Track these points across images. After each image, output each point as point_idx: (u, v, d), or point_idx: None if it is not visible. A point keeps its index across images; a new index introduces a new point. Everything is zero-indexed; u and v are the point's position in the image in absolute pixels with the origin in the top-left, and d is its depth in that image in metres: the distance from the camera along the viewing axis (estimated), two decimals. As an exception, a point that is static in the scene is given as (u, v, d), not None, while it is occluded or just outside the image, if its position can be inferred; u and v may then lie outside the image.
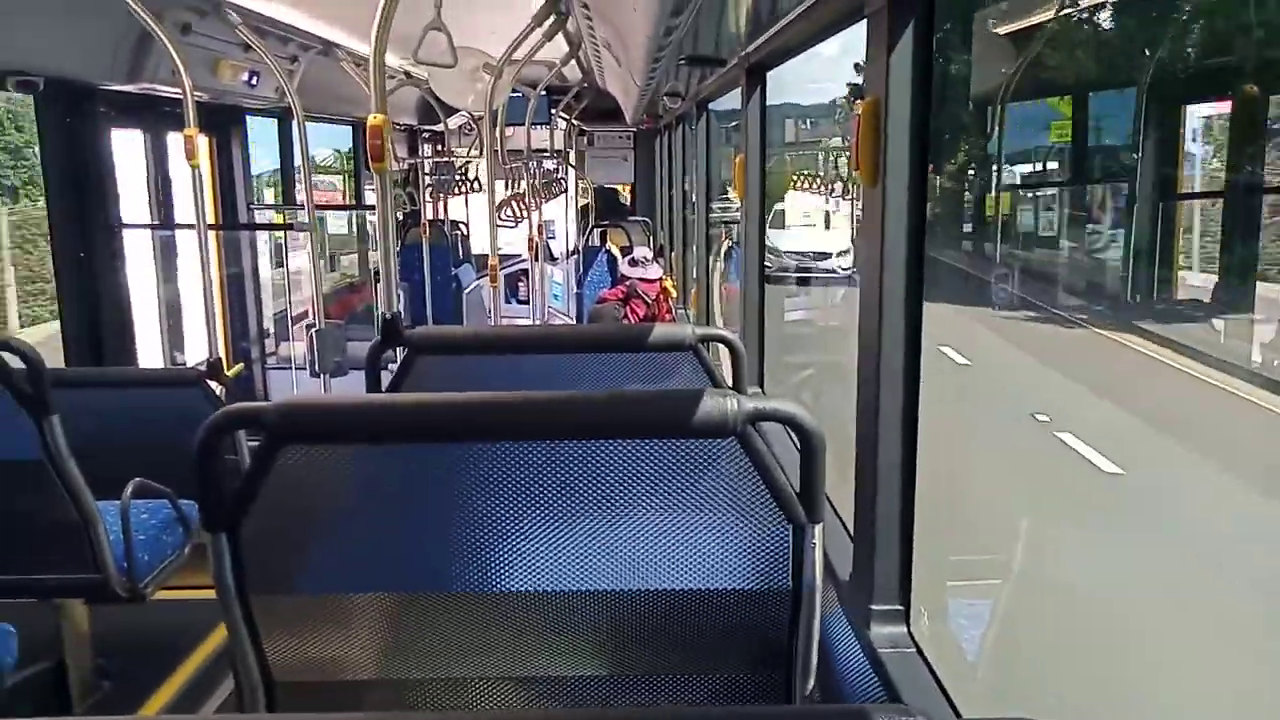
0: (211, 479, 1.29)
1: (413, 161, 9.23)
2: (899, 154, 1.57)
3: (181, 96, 4.03)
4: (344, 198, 9.92)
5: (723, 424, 1.26)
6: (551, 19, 4.23)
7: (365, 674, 1.42)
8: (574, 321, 8.77)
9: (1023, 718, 0.63)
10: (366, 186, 8.59)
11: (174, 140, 5.47)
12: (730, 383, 2.26)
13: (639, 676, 1.43)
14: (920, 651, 1.63)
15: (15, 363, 2.43)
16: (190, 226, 4.39)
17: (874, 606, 1.68)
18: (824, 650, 1.77)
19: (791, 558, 1.33)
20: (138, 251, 5.24)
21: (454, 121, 8.77)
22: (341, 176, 10.25)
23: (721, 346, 2.28)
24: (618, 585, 1.36)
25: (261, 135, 6.59)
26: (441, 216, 10.26)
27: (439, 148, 9.86)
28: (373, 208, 8.41)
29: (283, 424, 1.28)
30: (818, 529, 1.32)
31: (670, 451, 1.32)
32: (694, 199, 6.39)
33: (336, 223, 9.89)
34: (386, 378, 2.31)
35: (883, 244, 1.60)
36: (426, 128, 9.68)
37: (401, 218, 9.24)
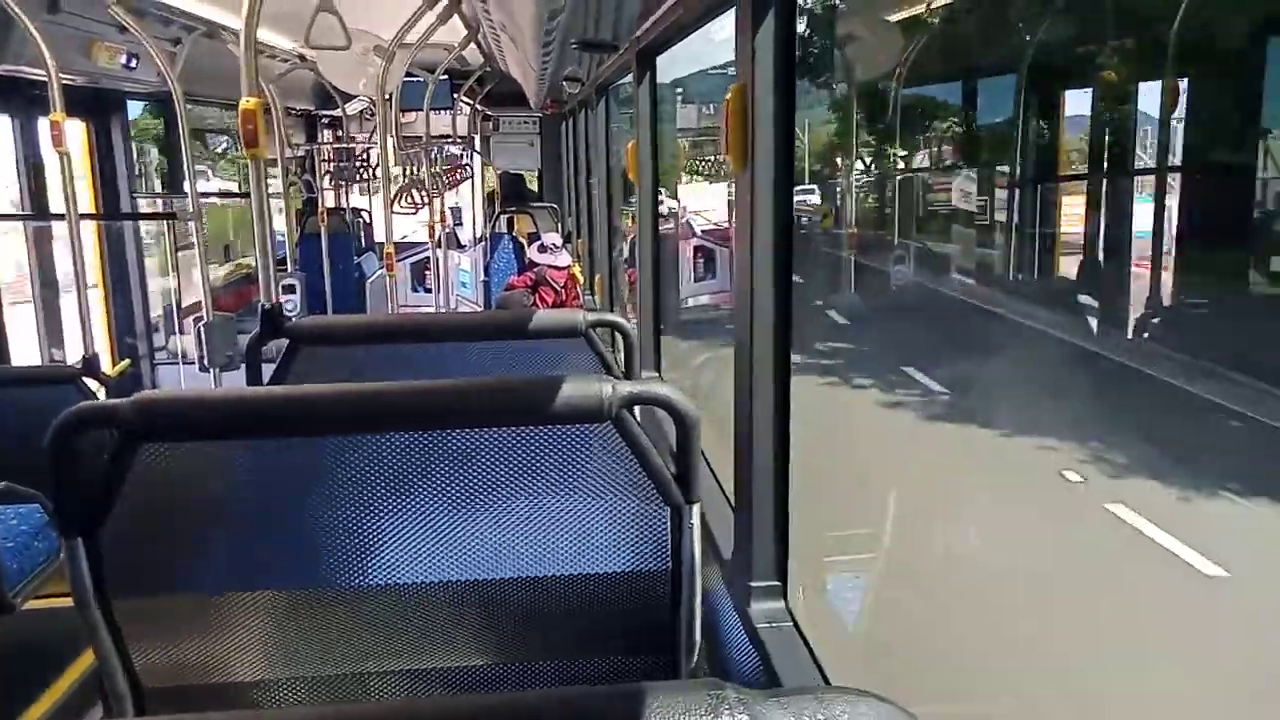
0: (65, 481, 1.24)
1: (309, 148, 8.96)
2: (765, 139, 1.60)
3: (47, 79, 3.82)
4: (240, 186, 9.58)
5: (598, 409, 1.27)
6: (444, 1, 4.15)
7: (239, 676, 1.38)
8: (482, 309, 8.68)
9: (832, 684, 0.65)
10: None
11: (46, 126, 5.19)
12: (623, 368, 2.27)
13: (523, 664, 1.43)
14: (797, 626, 1.68)
15: None
16: (60, 217, 4.17)
17: (753, 584, 1.72)
18: (710, 629, 1.81)
19: (670, 539, 1.35)
20: (11, 243, 4.96)
21: (353, 107, 8.55)
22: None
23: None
24: (498, 574, 1.36)
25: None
26: (342, 205, 10.00)
27: (338, 134, 9.59)
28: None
29: (140, 421, 1.23)
30: (695, 509, 1.34)
31: (548, 438, 1.32)
32: (596, 185, 6.39)
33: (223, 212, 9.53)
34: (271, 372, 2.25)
35: (752, 227, 1.62)
36: (324, 113, 9.41)
37: (301, 206, 8.98)
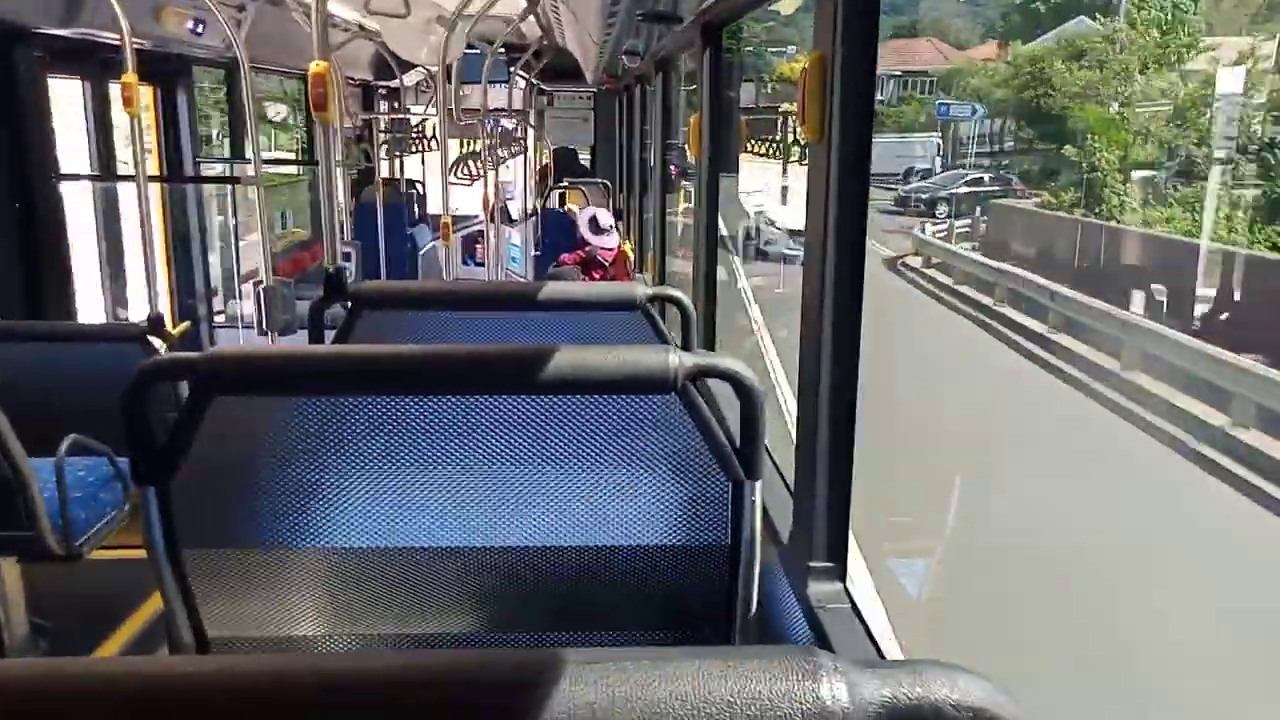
0: (140, 431, 1.26)
1: (367, 118, 9.03)
2: (846, 111, 1.56)
3: (120, 42, 3.88)
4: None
5: (664, 379, 1.25)
6: (507, -29, 4.15)
7: (299, 630, 1.40)
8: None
9: (938, 659, 0.64)
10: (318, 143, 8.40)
11: (116, 89, 5.29)
12: (680, 344, 2.25)
13: (575, 633, 1.43)
14: (855, 608, 1.66)
15: None
16: (130, 178, 4.25)
17: (811, 564, 1.70)
18: (763, 607, 1.79)
19: (730, 514, 1.34)
20: (79, 204, 5.08)
21: (410, 78, 8.59)
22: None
23: (673, 307, 2.27)
24: (558, 540, 1.36)
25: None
26: (397, 175, 10.07)
27: (394, 104, 9.65)
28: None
29: (213, 374, 1.25)
30: (757, 486, 1.32)
31: (610, 406, 1.31)
32: (653, 162, 6.35)
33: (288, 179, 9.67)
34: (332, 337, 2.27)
35: (827, 203, 1.59)
36: (382, 84, 9.47)
37: (356, 176, 9.06)
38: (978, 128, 31.90)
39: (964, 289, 19.77)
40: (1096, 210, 22.10)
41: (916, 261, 23.08)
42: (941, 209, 27.66)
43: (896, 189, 30.21)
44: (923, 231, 24.57)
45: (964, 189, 28.44)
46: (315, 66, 2.40)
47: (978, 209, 26.30)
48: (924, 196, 28.71)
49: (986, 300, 18.44)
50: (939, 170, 31.54)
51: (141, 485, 1.28)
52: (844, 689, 0.60)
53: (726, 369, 1.27)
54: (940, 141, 32.41)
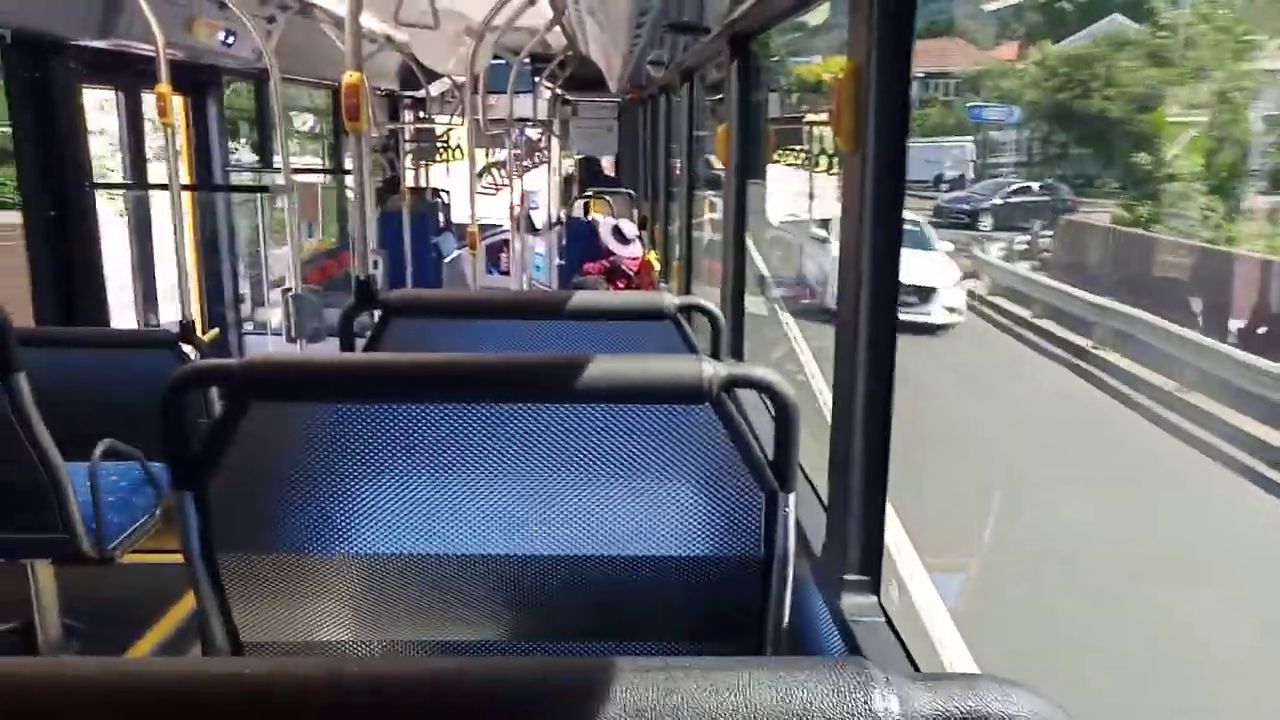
0: (177, 435, 1.27)
1: (393, 127, 9.12)
2: (881, 121, 1.55)
3: (154, 53, 3.94)
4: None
5: (698, 389, 1.25)
6: (535, -18, 4.17)
7: (332, 635, 1.41)
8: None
9: (982, 672, 0.63)
10: (345, 152, 8.48)
11: (148, 99, 5.36)
12: (710, 354, 2.25)
13: (605, 643, 1.43)
14: (890, 622, 1.64)
15: None
16: (163, 187, 4.31)
17: (846, 577, 1.69)
18: (796, 620, 1.78)
19: (764, 526, 1.33)
20: (112, 211, 5.15)
21: (436, 88, 8.66)
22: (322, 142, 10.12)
23: (701, 318, 2.27)
24: (589, 550, 1.36)
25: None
26: (422, 184, 10.15)
27: (420, 114, 9.73)
28: (350, 172, 8.32)
29: (250, 380, 1.26)
30: (791, 498, 1.31)
31: (645, 416, 1.31)
32: (678, 172, 6.35)
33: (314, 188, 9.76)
34: (362, 345, 2.28)
35: (861, 213, 1.58)
36: (408, 94, 9.55)
37: (382, 184, 9.14)
38: (1016, 133, 29.15)
39: (1050, 327, 14.16)
40: (1176, 226, 18.85)
41: (980, 287, 19.01)
42: (985, 221, 25.02)
43: (935, 198, 27.50)
44: (984, 251, 21.03)
45: (1008, 199, 25.69)
46: (348, 78, 2.43)
47: (1035, 222, 23.12)
48: (965, 207, 25.84)
49: (1084, 343, 13.11)
50: (971, 177, 29.06)
51: (178, 490, 1.29)
52: (895, 701, 0.60)
53: (761, 379, 1.27)
54: (973, 146, 29.90)
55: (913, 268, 9.89)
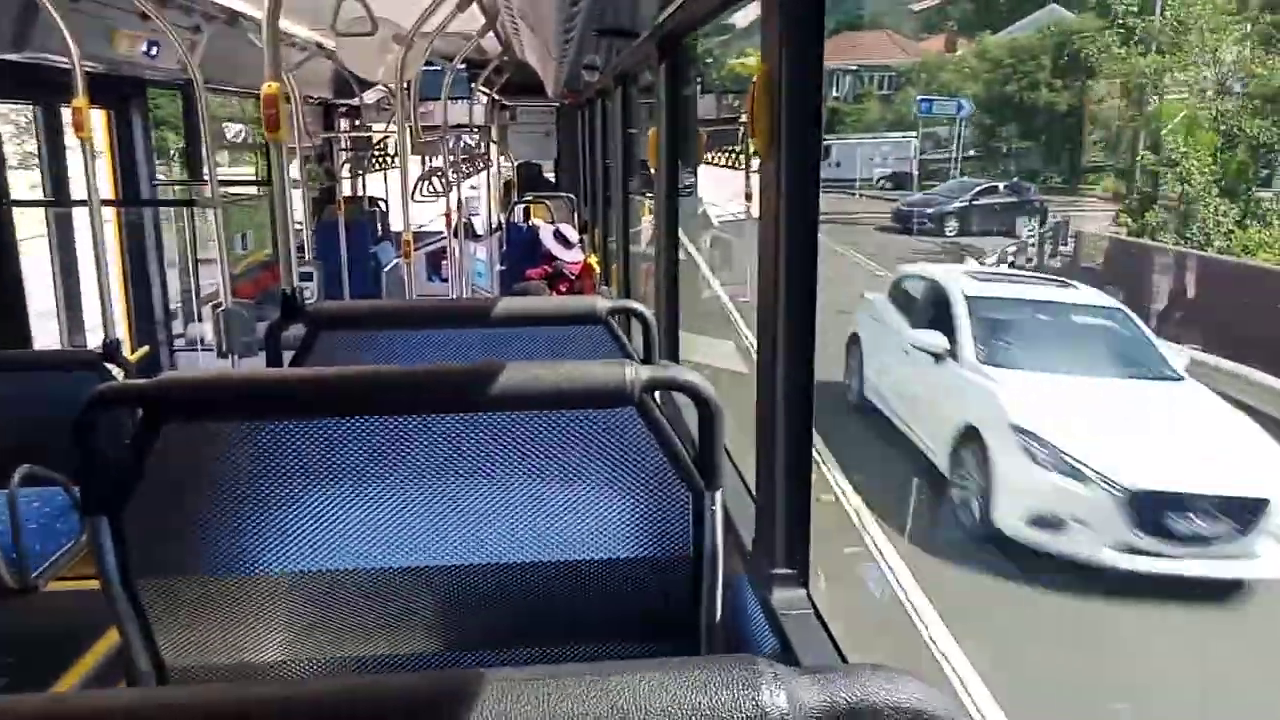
0: (91, 460, 1.24)
1: (328, 136, 8.99)
2: (793, 124, 1.58)
3: (70, 66, 3.84)
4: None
5: (621, 392, 1.26)
6: (464, -11, 4.15)
7: (260, 656, 1.39)
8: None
9: (871, 663, 0.65)
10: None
11: (68, 113, 5.22)
12: (642, 356, 2.26)
13: (542, 649, 1.43)
14: (818, 613, 1.67)
15: None
16: (82, 203, 4.19)
17: (775, 571, 1.71)
18: (730, 616, 1.80)
19: (692, 525, 1.34)
20: (32, 230, 5.00)
21: (370, 96, 8.57)
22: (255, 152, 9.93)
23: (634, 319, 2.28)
24: (518, 557, 1.36)
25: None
26: (359, 193, 10.03)
27: (355, 122, 9.61)
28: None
29: (164, 400, 1.24)
30: (717, 495, 1.33)
31: (569, 421, 1.31)
32: (614, 176, 6.37)
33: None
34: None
35: (779, 214, 1.61)
36: (342, 102, 9.43)
37: (318, 194, 9.00)
38: (963, 128, 27.33)
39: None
40: (1187, 235, 16.21)
41: None
42: (950, 225, 22.53)
43: (880, 197, 25.48)
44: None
45: (973, 201, 22.83)
46: (267, 88, 2.40)
47: (1016, 226, 20.63)
48: (927, 211, 23.24)
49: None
50: (914, 174, 27.00)
51: (92, 515, 1.26)
52: (783, 696, 0.61)
53: (683, 381, 1.28)
54: (917, 142, 28.01)
55: (1170, 445, 5.51)
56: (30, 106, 5.15)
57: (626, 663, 0.64)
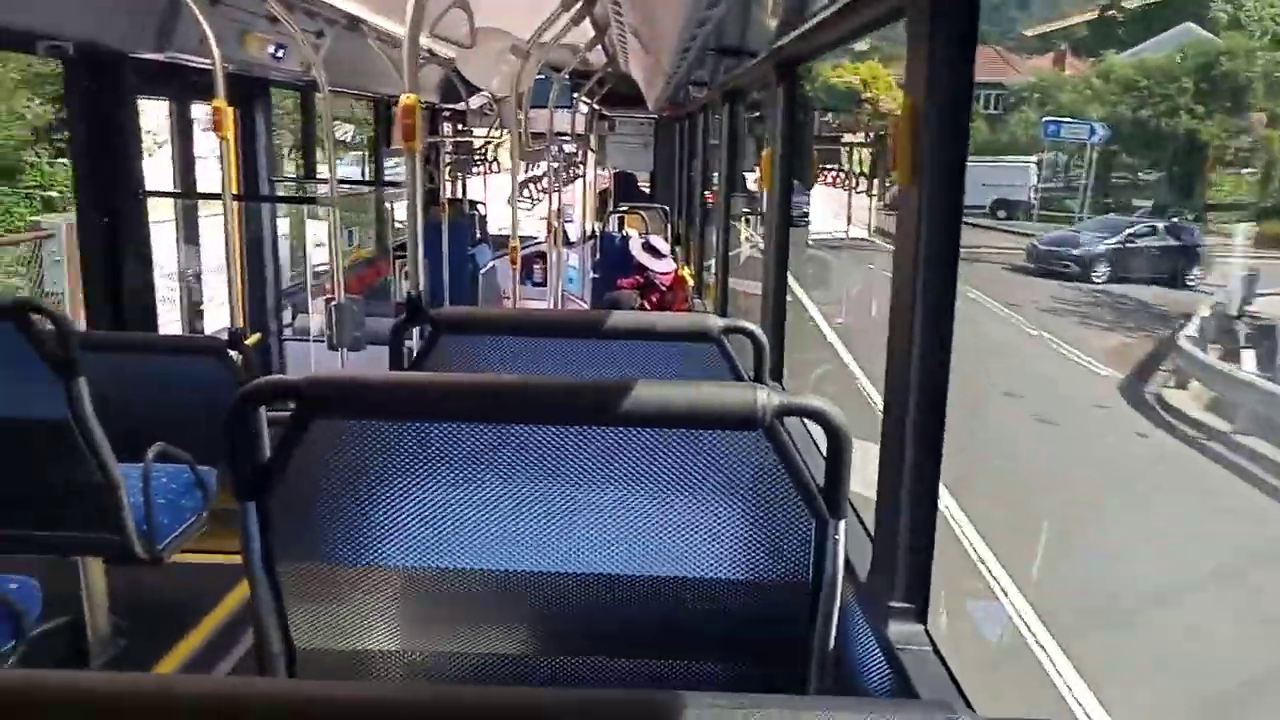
0: (244, 449, 1.31)
1: (433, 140, 9.22)
2: (936, 155, 1.57)
3: (210, 67, 4.04)
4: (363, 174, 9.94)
5: (751, 417, 1.26)
6: (580, 2, 4.23)
7: (382, 644, 1.44)
8: (588, 307, 8.77)
9: (1042, 718, 0.64)
10: (385, 163, 8.60)
11: (198, 110, 5.48)
12: (751, 376, 2.27)
13: (651, 662, 1.45)
14: (937, 650, 1.65)
15: (44, 324, 2.46)
16: (216, 196, 4.40)
17: (892, 604, 1.70)
18: (839, 646, 1.80)
19: (813, 553, 1.34)
20: (159, 219, 5.25)
21: (475, 101, 8.77)
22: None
23: (742, 338, 2.28)
24: (636, 569, 1.38)
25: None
26: (459, 196, 10.26)
27: (459, 127, 9.84)
28: (392, 184, 8.43)
29: (315, 397, 1.30)
30: (841, 525, 1.33)
31: (695, 440, 1.33)
32: (716, 190, 6.38)
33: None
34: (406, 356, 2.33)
35: (917, 244, 1.60)
36: (447, 106, 9.67)
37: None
38: (1090, 153, 24.24)
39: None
40: None
41: (1191, 404, 11.92)
42: (1100, 270, 19.53)
43: (994, 226, 22.67)
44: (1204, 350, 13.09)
45: (1128, 242, 19.97)
46: (405, 99, 2.48)
47: (1175, 271, 17.56)
48: (1072, 253, 20.08)
49: None
50: (1034, 202, 24.43)
51: (242, 501, 1.33)
52: None
53: (814, 408, 1.28)
54: (1034, 168, 25.65)
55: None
56: (164, 103, 5.43)
57: (817, 698, 0.65)
